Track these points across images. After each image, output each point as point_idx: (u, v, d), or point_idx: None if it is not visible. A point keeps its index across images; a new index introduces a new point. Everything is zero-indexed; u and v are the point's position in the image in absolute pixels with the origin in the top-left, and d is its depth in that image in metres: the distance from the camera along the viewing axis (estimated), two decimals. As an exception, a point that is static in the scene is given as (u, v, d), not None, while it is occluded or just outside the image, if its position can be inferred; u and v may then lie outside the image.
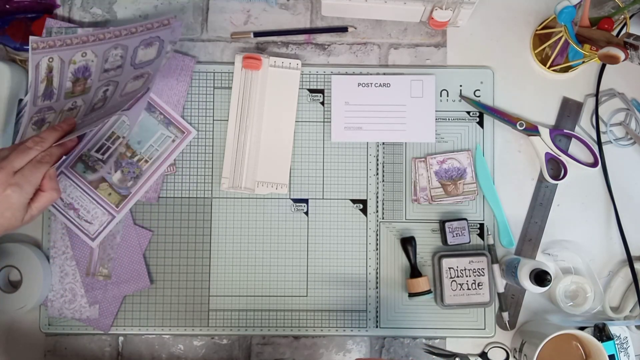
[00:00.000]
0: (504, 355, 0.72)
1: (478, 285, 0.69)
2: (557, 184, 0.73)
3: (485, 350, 0.71)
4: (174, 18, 0.71)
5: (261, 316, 0.72)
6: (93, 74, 0.70)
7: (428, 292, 0.70)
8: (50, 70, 0.69)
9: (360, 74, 0.73)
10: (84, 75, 0.70)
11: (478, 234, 0.72)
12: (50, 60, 0.70)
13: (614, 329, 0.68)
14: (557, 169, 0.73)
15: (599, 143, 0.72)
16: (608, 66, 0.73)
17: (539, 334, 0.66)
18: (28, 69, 0.69)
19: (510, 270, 0.68)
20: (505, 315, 0.71)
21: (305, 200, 0.73)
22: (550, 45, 0.71)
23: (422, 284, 0.70)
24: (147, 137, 0.72)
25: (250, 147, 0.71)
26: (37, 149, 0.59)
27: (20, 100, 0.71)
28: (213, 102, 0.73)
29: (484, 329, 0.71)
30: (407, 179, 0.73)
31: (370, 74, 0.73)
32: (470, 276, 0.69)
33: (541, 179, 0.73)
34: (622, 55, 0.59)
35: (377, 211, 0.72)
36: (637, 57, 0.59)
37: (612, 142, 0.73)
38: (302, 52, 0.74)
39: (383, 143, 0.73)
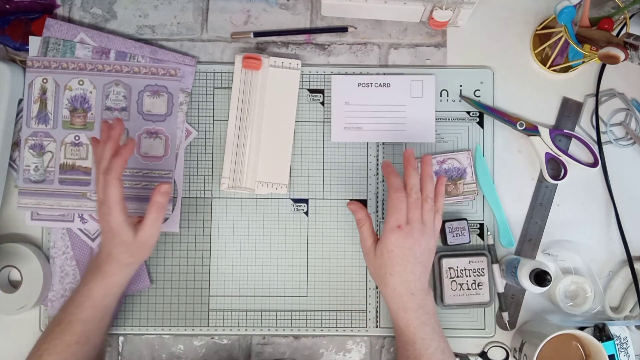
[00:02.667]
0: (504, 354, 0.72)
1: (478, 285, 0.69)
2: (557, 184, 0.73)
3: (485, 350, 0.71)
4: (184, 65, 0.72)
5: (261, 316, 0.72)
6: (93, 108, 0.71)
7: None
8: (43, 91, 0.70)
9: (360, 74, 0.73)
10: (82, 107, 0.70)
11: (478, 234, 0.72)
12: (44, 81, 0.70)
13: (614, 329, 0.68)
14: (557, 169, 0.73)
15: (599, 143, 0.72)
16: (608, 66, 0.73)
17: (539, 334, 0.66)
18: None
19: (510, 270, 0.68)
20: (505, 315, 0.71)
21: (305, 200, 0.73)
22: (550, 45, 0.71)
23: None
24: (147, 137, 0.72)
25: (250, 147, 0.71)
26: (101, 172, 0.61)
27: (21, 100, 0.71)
28: (213, 102, 0.73)
29: (484, 329, 0.71)
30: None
31: (370, 74, 0.73)
32: (470, 276, 0.69)
33: (541, 179, 0.73)
34: (622, 55, 0.59)
35: (377, 211, 0.72)
36: (637, 57, 0.59)
37: (612, 142, 0.73)
38: (302, 52, 0.74)
39: (383, 143, 0.73)
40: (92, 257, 0.65)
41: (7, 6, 0.72)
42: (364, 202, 0.72)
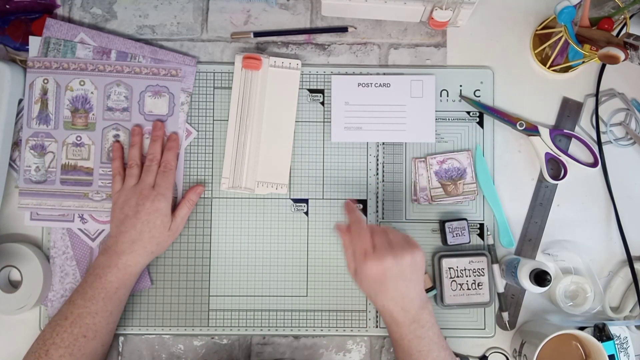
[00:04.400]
0: (504, 359, 0.72)
1: (478, 285, 0.69)
2: (557, 184, 0.73)
3: (487, 355, 0.71)
4: (185, 65, 0.72)
5: (261, 316, 0.72)
6: (95, 109, 0.71)
7: (432, 288, 0.70)
8: (44, 92, 0.70)
9: (360, 74, 0.73)
10: (84, 107, 0.70)
11: (478, 234, 0.72)
12: (45, 81, 0.70)
13: (614, 329, 0.68)
14: (557, 169, 0.73)
15: (599, 143, 0.72)
16: (608, 66, 0.73)
17: (538, 334, 0.66)
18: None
19: (510, 270, 0.68)
20: (505, 315, 0.71)
21: (305, 200, 0.73)
22: (550, 45, 0.71)
23: (425, 281, 0.70)
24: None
25: (250, 147, 0.71)
26: (155, 163, 0.69)
27: (21, 100, 0.71)
28: (213, 102, 0.73)
29: (484, 329, 0.71)
30: (407, 179, 0.73)
31: (370, 74, 0.73)
32: (470, 276, 0.69)
33: (541, 179, 0.73)
34: (622, 55, 0.59)
35: (377, 211, 0.72)
36: (637, 57, 0.59)
37: (612, 142, 0.73)
38: (302, 52, 0.74)
39: (383, 143, 0.73)
40: (103, 252, 0.65)
41: (7, 6, 0.72)
42: (364, 202, 0.72)
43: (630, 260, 0.71)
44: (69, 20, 0.73)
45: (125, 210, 0.66)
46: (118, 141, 0.71)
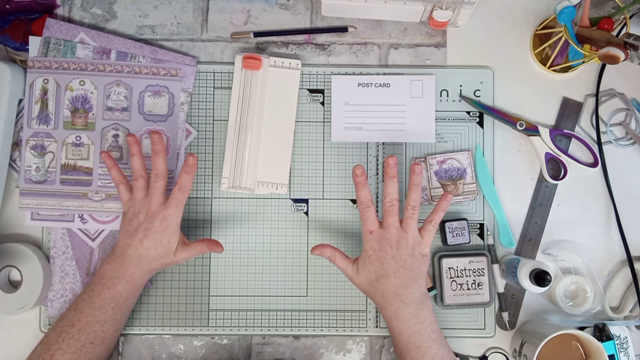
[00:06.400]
0: (504, 359, 0.72)
1: (478, 285, 0.69)
2: (557, 184, 0.73)
3: (487, 355, 0.71)
4: (185, 65, 0.72)
5: (261, 316, 0.72)
6: (94, 108, 0.71)
7: (432, 288, 0.70)
8: (44, 92, 0.70)
9: (360, 74, 0.73)
10: (83, 107, 0.70)
11: (478, 234, 0.72)
12: (45, 81, 0.70)
13: (614, 329, 0.68)
14: (557, 169, 0.73)
15: (599, 143, 0.73)
16: (608, 66, 0.73)
17: (538, 334, 0.66)
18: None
19: (510, 270, 0.68)
20: (505, 315, 0.71)
21: (305, 200, 0.73)
22: (550, 45, 0.71)
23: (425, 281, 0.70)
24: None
25: (250, 147, 0.71)
26: (161, 179, 0.64)
27: (21, 100, 0.71)
28: (213, 102, 0.73)
29: (484, 329, 0.71)
30: (407, 179, 0.73)
31: (370, 74, 0.73)
32: (470, 276, 0.69)
33: (541, 179, 0.73)
34: (622, 55, 0.59)
35: (377, 211, 0.72)
36: (637, 57, 0.59)
37: (612, 142, 0.73)
38: (302, 52, 0.74)
39: (383, 143, 0.73)
40: (109, 260, 0.65)
41: (7, 6, 0.72)
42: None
43: (630, 260, 0.71)
44: (69, 20, 0.73)
45: (134, 223, 0.64)
46: (104, 151, 0.67)
